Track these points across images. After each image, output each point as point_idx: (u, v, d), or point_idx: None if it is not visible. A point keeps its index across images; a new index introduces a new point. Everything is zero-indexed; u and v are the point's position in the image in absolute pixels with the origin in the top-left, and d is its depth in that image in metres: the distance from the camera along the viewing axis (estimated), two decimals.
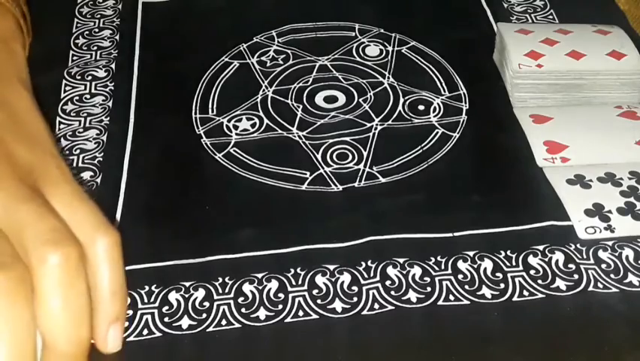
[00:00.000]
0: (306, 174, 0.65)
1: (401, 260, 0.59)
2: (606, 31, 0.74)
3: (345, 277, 0.58)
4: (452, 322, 0.55)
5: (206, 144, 0.68)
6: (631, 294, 0.57)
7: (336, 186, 0.65)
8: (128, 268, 0.58)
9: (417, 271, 0.58)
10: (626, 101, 0.71)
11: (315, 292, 0.57)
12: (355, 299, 0.56)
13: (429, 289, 0.57)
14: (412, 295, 0.57)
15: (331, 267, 0.58)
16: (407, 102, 0.72)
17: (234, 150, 0.68)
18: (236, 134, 0.69)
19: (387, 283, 0.58)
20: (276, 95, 0.73)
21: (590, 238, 0.60)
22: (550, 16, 0.82)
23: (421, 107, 0.72)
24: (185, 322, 0.55)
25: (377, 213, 0.62)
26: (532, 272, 0.58)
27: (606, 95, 0.71)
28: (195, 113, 0.71)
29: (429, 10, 0.83)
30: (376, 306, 0.56)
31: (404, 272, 0.58)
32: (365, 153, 0.67)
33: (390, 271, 0.58)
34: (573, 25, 0.76)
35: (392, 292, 0.57)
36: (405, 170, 0.66)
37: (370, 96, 0.73)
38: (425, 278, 0.58)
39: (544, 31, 0.75)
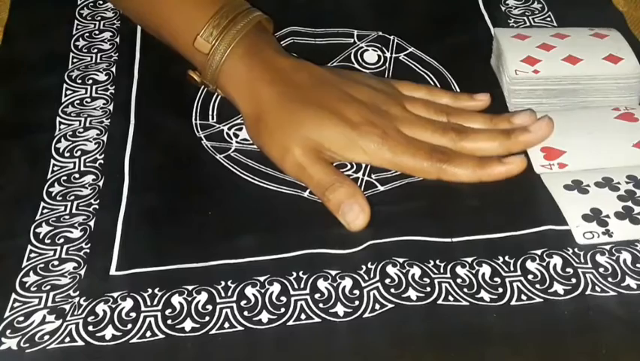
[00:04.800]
0: None
1: (401, 260, 0.60)
2: (603, 35, 0.74)
3: (347, 282, 0.58)
4: (452, 321, 0.56)
5: (207, 145, 0.69)
6: (628, 297, 0.58)
7: None
8: (131, 271, 0.59)
9: (416, 271, 0.59)
10: (624, 104, 0.71)
11: (317, 295, 0.57)
12: (357, 303, 0.57)
13: (428, 288, 0.58)
14: (412, 293, 0.57)
15: (333, 272, 0.59)
16: None
17: (235, 154, 0.68)
18: (237, 142, 0.70)
19: (387, 280, 0.58)
20: None
21: (588, 242, 0.61)
22: (548, 19, 0.82)
23: None
24: (188, 324, 0.56)
25: (377, 221, 0.62)
26: (530, 277, 0.59)
27: (604, 100, 0.72)
28: (195, 119, 0.71)
29: (427, 15, 0.84)
30: (377, 306, 0.57)
31: (403, 271, 0.59)
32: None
33: (390, 269, 0.59)
34: (570, 29, 0.76)
35: (392, 290, 0.58)
36: (403, 177, 0.66)
37: None
38: (424, 279, 0.59)
39: (540, 35, 0.75)
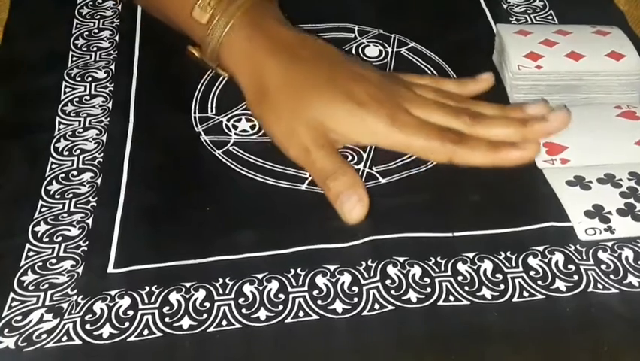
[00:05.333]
0: (306, 173, 0.65)
1: (401, 259, 0.59)
2: (605, 32, 0.74)
3: (346, 278, 0.58)
4: (452, 322, 0.56)
5: (205, 141, 0.68)
6: (630, 294, 0.57)
7: None
8: (128, 268, 0.59)
9: (417, 270, 0.59)
10: (626, 102, 0.71)
11: (315, 292, 0.57)
12: (355, 300, 0.56)
13: (429, 289, 0.57)
14: (412, 295, 0.57)
15: (331, 267, 0.58)
16: None
17: (234, 149, 0.68)
18: (236, 134, 0.69)
19: (388, 282, 0.58)
20: None
21: (590, 239, 0.60)
22: (550, 17, 0.82)
23: None
24: (185, 322, 0.55)
25: (377, 213, 0.62)
26: (532, 273, 0.58)
27: (606, 96, 0.71)
28: (195, 113, 0.71)
29: (428, 11, 0.84)
30: (376, 306, 0.56)
31: (404, 271, 0.58)
32: (365, 154, 0.67)
33: (391, 270, 0.58)
34: (572, 25, 0.76)
35: (392, 292, 0.57)
36: (404, 170, 0.66)
37: None
38: (425, 278, 0.58)
39: (543, 32, 0.75)
